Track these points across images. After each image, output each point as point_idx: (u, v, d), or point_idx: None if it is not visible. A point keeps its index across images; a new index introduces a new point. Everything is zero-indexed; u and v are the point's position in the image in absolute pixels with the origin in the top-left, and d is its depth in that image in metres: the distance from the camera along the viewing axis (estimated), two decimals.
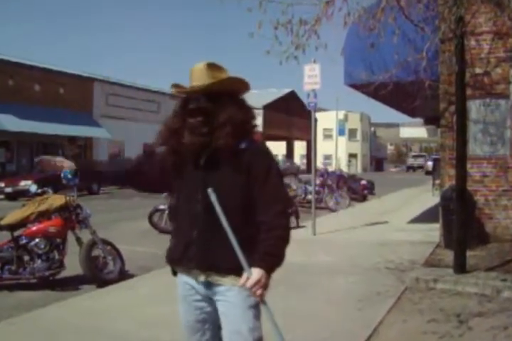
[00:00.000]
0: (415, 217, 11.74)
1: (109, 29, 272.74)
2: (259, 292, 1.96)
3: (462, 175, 5.76)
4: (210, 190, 2.01)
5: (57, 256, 5.58)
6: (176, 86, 2.15)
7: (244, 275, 1.96)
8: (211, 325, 2.16)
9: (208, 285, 2.11)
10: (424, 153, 72.18)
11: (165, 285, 5.42)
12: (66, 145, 25.92)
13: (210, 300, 2.13)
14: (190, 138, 2.06)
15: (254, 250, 1.99)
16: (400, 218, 11.40)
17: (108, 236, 6.30)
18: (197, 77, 2.10)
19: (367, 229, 9.82)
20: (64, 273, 5.75)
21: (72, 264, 5.68)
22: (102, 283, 5.61)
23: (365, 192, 18.38)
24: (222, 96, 2.09)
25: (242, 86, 2.16)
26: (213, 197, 2.01)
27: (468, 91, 6.51)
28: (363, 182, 18.65)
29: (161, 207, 9.73)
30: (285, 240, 2.06)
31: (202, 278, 2.11)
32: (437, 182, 13.97)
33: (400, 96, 9.22)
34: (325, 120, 54.59)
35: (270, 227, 2.02)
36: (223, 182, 2.06)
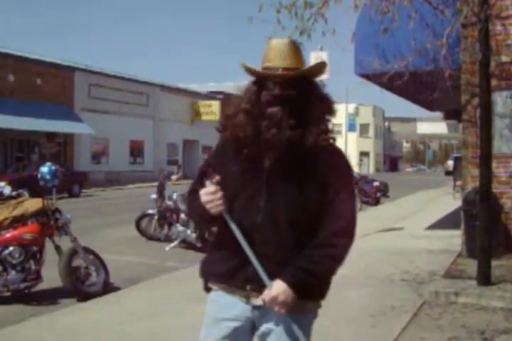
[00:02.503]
0: (434, 222, 11.75)
1: (93, 13, 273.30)
2: (276, 309, 1.88)
3: (487, 176, 5.75)
4: (226, 214, 1.92)
5: (33, 267, 5.57)
6: (246, 67, 1.96)
7: (266, 290, 1.89)
8: None
9: (259, 307, 1.98)
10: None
11: (154, 299, 5.42)
12: (44, 143, 25.92)
13: (250, 326, 2.02)
14: (275, 132, 1.87)
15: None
16: (418, 224, 11.40)
17: (91, 244, 6.30)
18: (279, 55, 1.93)
19: (380, 236, 9.81)
20: (41, 286, 5.73)
21: (51, 275, 5.67)
22: (84, 296, 5.60)
23: (378, 194, 18.39)
24: (305, 82, 1.95)
25: (323, 71, 2.04)
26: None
27: (493, 82, 6.51)
28: (376, 183, 18.67)
29: (150, 211, 9.73)
30: (335, 260, 1.95)
31: (258, 301, 1.95)
32: (459, 183, 14.00)
33: (417, 87, 9.21)
34: None
35: (322, 244, 1.92)
36: (293, 189, 1.92)
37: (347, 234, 1.96)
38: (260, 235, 1.93)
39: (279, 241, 1.92)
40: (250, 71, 1.97)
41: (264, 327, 1.99)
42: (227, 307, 2.02)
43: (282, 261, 1.91)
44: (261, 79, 1.95)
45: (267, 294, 1.88)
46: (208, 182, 1.92)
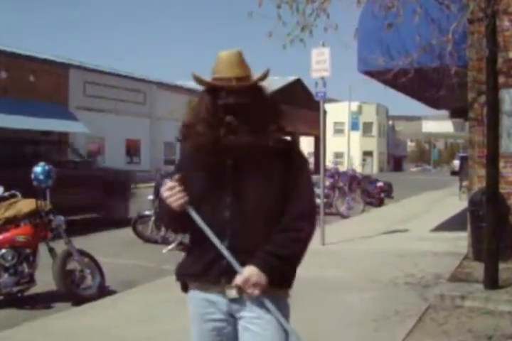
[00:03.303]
0: (440, 224, 11.75)
1: (89, 9, 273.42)
2: (249, 291, 2.03)
3: (494, 176, 5.75)
4: (188, 207, 2.09)
5: (26, 270, 5.57)
6: (197, 77, 2.17)
7: (238, 275, 2.05)
8: None
9: (235, 300, 2.13)
10: None
11: (151, 303, 5.42)
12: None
13: (231, 319, 2.17)
14: (232, 138, 2.09)
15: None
16: (422, 225, 11.40)
17: (85, 247, 6.30)
18: (230, 66, 2.14)
19: (384, 238, 9.82)
20: (34, 289, 5.74)
21: (44, 279, 5.67)
22: (79, 300, 5.60)
23: (382, 195, 18.39)
24: (254, 89, 2.19)
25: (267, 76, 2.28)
26: (193, 213, 2.10)
27: (501, 79, 6.51)
28: (380, 183, 18.67)
29: (147, 213, 9.73)
30: (300, 243, 2.13)
31: (233, 293, 2.11)
32: (465, 184, 13.99)
33: (422, 84, 9.20)
34: (336, 112, 54.70)
35: (286, 228, 2.11)
36: (256, 184, 2.13)
37: (308, 217, 2.18)
38: (231, 228, 2.12)
39: (249, 233, 2.11)
40: (203, 82, 2.18)
41: (244, 320, 2.13)
42: (205, 302, 2.19)
43: (254, 251, 2.08)
44: (214, 89, 2.16)
45: (239, 277, 2.04)
46: (167, 180, 2.12)
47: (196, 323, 2.23)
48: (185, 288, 2.28)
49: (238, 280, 2.03)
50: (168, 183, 2.10)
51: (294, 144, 2.29)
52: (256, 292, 2.03)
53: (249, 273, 2.03)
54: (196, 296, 2.22)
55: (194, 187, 2.13)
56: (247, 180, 2.13)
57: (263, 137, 2.13)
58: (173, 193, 2.08)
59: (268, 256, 2.06)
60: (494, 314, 5.09)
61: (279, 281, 2.11)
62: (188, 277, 2.24)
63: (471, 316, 5.05)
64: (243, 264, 2.06)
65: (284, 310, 2.16)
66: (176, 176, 2.12)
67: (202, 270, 2.15)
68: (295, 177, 2.17)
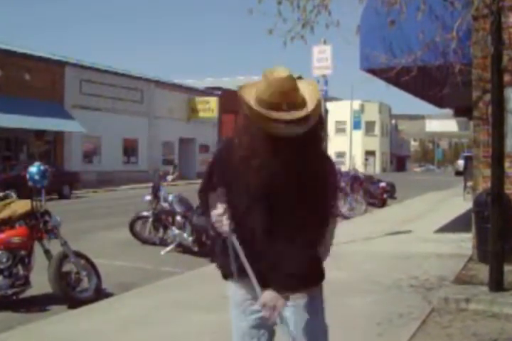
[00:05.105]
0: (444, 225, 11.75)
1: (85, 5, 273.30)
2: (267, 314, 2.21)
3: (499, 176, 5.76)
4: (231, 234, 2.28)
5: (21, 272, 5.58)
6: (253, 109, 2.10)
7: (259, 299, 2.22)
8: (266, 330, 2.40)
9: None
10: None
11: (148, 306, 5.42)
12: (32, 141, 25.93)
13: None
14: (278, 162, 2.14)
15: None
16: (426, 227, 11.40)
17: (82, 248, 6.31)
18: (282, 93, 2.06)
19: (387, 240, 9.82)
20: (30, 292, 5.74)
21: (40, 281, 5.67)
22: (75, 303, 5.60)
23: (385, 196, 18.39)
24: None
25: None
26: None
27: (506, 77, 6.51)
28: (382, 184, 18.67)
29: (144, 213, 9.73)
30: (314, 258, 2.35)
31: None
32: (469, 184, 14.00)
33: (425, 83, 9.22)
34: (337, 111, 54.63)
35: (303, 245, 2.25)
36: (297, 208, 2.22)
37: (322, 228, 2.32)
38: (266, 247, 2.24)
39: (282, 254, 2.22)
40: (258, 113, 2.08)
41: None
42: (244, 290, 2.37)
43: (280, 271, 2.23)
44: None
45: (258, 302, 2.24)
46: (219, 205, 2.30)
47: (235, 309, 2.42)
48: (225, 276, 2.42)
49: (258, 304, 2.24)
50: (219, 209, 2.29)
51: (331, 167, 2.37)
52: (274, 315, 2.21)
53: (264, 298, 2.21)
54: (236, 284, 2.39)
55: (236, 203, 2.28)
56: (288, 203, 2.20)
57: (312, 153, 2.19)
58: (221, 219, 2.29)
59: (283, 277, 2.21)
60: (499, 317, 5.09)
61: (305, 285, 2.38)
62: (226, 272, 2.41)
63: (475, 319, 5.05)
64: (270, 282, 2.22)
65: (319, 302, 2.60)
66: (219, 191, 2.29)
67: (240, 268, 2.30)
68: (323, 186, 2.25)
